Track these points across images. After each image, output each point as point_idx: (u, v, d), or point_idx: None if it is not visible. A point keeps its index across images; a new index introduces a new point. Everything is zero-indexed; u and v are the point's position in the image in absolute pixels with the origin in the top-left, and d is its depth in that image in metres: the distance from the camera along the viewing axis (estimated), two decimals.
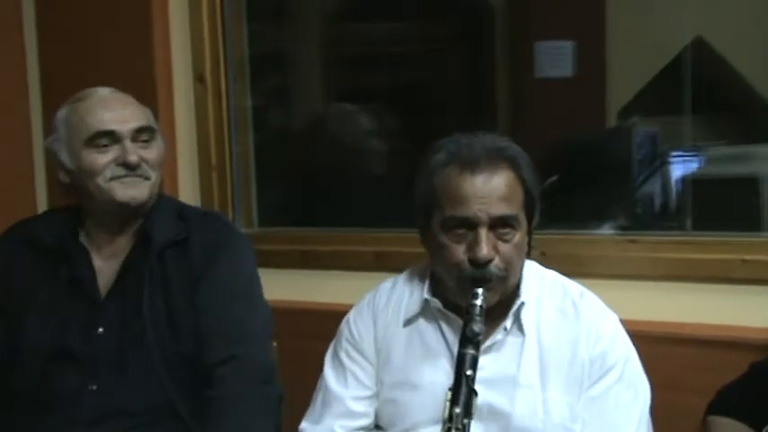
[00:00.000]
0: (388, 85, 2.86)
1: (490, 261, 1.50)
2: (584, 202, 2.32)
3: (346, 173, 2.72)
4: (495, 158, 1.53)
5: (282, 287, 2.00)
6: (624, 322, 1.65)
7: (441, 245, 1.54)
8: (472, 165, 1.52)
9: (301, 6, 2.94)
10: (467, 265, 1.50)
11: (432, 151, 1.59)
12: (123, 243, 1.82)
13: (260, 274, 1.88)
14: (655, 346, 1.78)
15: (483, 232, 1.49)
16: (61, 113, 1.80)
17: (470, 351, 1.44)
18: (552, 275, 1.67)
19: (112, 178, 1.76)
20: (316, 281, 2.37)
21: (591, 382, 1.56)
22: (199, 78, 2.53)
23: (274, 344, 1.85)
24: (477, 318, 1.45)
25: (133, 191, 1.77)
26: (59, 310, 1.78)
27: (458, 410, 1.40)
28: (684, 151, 2.40)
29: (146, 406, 1.73)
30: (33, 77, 2.63)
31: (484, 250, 1.49)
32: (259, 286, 1.87)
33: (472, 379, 1.42)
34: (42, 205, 2.62)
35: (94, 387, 1.74)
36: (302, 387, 1.75)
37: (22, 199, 2.55)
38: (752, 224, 2.12)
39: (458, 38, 2.82)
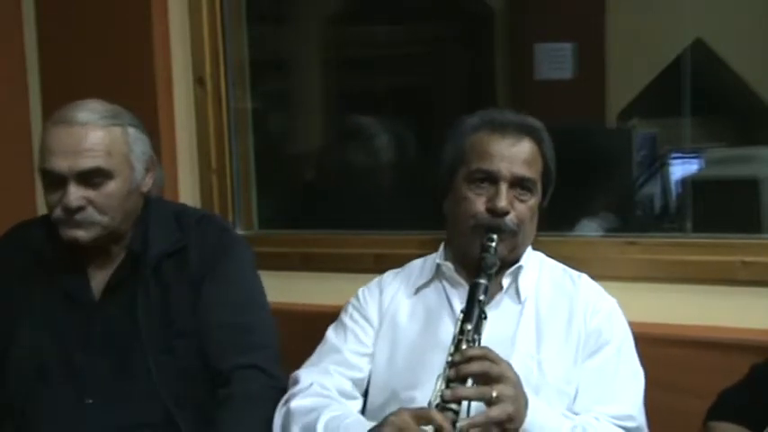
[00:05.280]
0: (388, 87, 2.86)
1: (506, 213, 1.64)
2: (584, 203, 2.32)
3: (348, 176, 2.73)
4: (522, 129, 1.69)
5: (282, 289, 2.00)
6: None
7: (462, 197, 1.68)
8: (502, 129, 1.68)
9: (301, 9, 2.94)
10: (485, 214, 1.64)
11: (464, 117, 1.75)
12: (116, 252, 1.79)
13: (260, 277, 1.88)
14: (655, 347, 1.78)
15: (504, 187, 1.64)
16: (44, 126, 1.75)
17: (483, 280, 1.54)
18: (552, 261, 1.79)
19: (57, 219, 1.71)
20: (316, 283, 2.36)
21: (588, 353, 1.63)
22: (199, 81, 2.52)
23: None
24: (492, 255, 1.59)
25: (76, 232, 1.70)
26: (53, 320, 1.76)
27: (469, 327, 1.48)
28: (684, 153, 2.40)
29: (144, 420, 1.71)
30: (33, 78, 2.63)
31: (503, 201, 1.63)
32: (261, 290, 1.86)
33: (484, 303, 1.52)
34: (42, 206, 2.61)
35: (90, 401, 1.72)
36: None
37: (22, 199, 2.54)
38: (752, 226, 2.11)
39: (458, 40, 2.82)
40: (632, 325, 1.71)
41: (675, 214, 2.40)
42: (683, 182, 2.36)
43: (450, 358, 1.46)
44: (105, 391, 1.72)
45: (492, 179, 1.65)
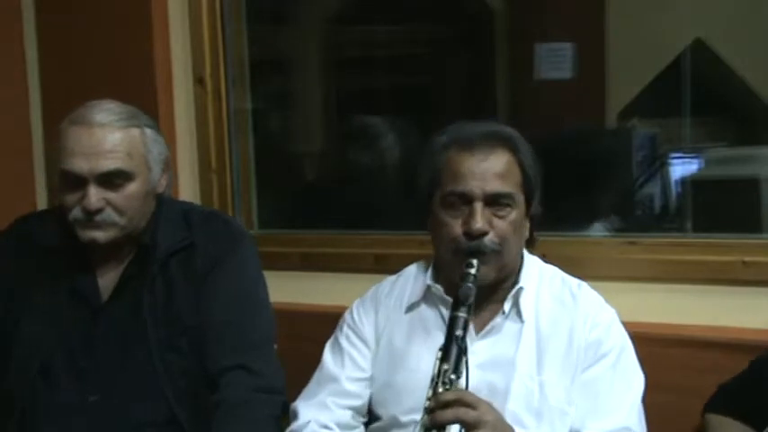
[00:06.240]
0: (388, 87, 2.86)
1: (484, 234, 1.56)
2: (584, 203, 2.32)
3: (348, 175, 2.73)
4: (492, 140, 1.61)
5: (282, 289, 2.00)
6: (624, 324, 1.66)
7: (440, 222, 1.61)
8: (470, 145, 1.60)
9: (301, 9, 2.94)
10: (462, 238, 1.57)
11: (434, 136, 1.67)
12: (126, 249, 1.79)
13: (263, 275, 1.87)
14: (655, 347, 1.78)
15: (478, 206, 1.57)
16: (61, 126, 1.73)
17: (461, 314, 1.48)
18: (552, 269, 1.73)
19: (75, 219, 1.70)
20: (315, 283, 2.37)
21: (585, 366, 1.60)
22: (198, 81, 2.53)
23: (275, 346, 1.84)
24: (470, 284, 1.51)
25: (94, 233, 1.70)
26: (58, 318, 1.75)
27: (446, 367, 1.43)
28: (684, 153, 2.40)
29: (147, 418, 1.71)
30: (33, 79, 2.63)
31: (478, 223, 1.55)
32: (264, 290, 1.86)
33: (462, 338, 1.46)
34: (42, 206, 2.62)
35: (94, 399, 1.71)
36: (302, 389, 1.75)
37: (22, 199, 2.55)
38: (752, 226, 2.11)
39: (458, 40, 2.82)
40: (632, 325, 1.70)
41: (675, 214, 2.40)
42: (683, 182, 2.36)
43: (426, 403, 1.41)
44: (109, 389, 1.72)
45: (466, 200, 1.57)
